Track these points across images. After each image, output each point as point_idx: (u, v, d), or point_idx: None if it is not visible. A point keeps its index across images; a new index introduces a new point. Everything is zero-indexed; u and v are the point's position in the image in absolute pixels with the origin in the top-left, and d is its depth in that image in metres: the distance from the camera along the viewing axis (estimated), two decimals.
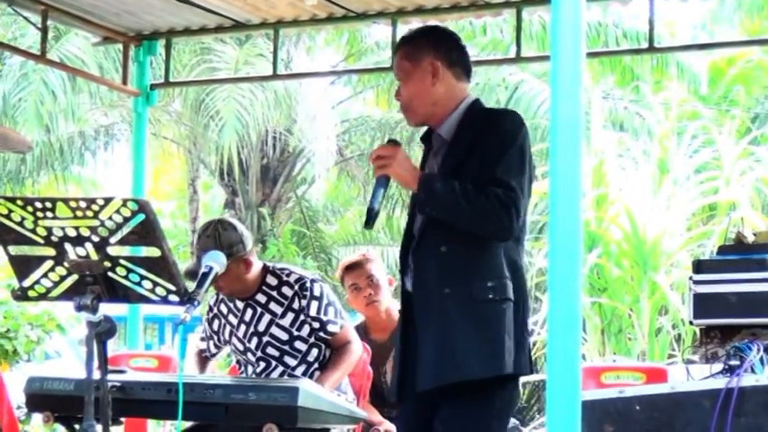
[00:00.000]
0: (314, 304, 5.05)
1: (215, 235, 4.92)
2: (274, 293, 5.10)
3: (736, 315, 5.25)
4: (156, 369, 6.30)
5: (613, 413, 4.00)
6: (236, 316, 5.19)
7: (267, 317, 5.10)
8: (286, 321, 5.08)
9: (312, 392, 4.13)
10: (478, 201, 3.72)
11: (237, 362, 5.31)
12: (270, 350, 5.10)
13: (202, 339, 5.40)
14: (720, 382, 3.93)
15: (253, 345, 5.13)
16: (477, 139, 3.85)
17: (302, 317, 5.06)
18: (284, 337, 5.08)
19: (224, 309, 5.25)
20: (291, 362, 5.09)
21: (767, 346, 4.22)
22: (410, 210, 4.12)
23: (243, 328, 5.16)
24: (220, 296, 5.26)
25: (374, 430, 5.40)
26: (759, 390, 3.86)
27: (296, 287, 5.07)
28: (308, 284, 5.07)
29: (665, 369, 5.56)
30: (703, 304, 5.35)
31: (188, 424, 4.85)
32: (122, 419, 4.64)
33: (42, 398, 4.38)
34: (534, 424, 12.19)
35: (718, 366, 4.21)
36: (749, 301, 5.23)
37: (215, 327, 5.30)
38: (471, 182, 3.76)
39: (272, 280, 5.12)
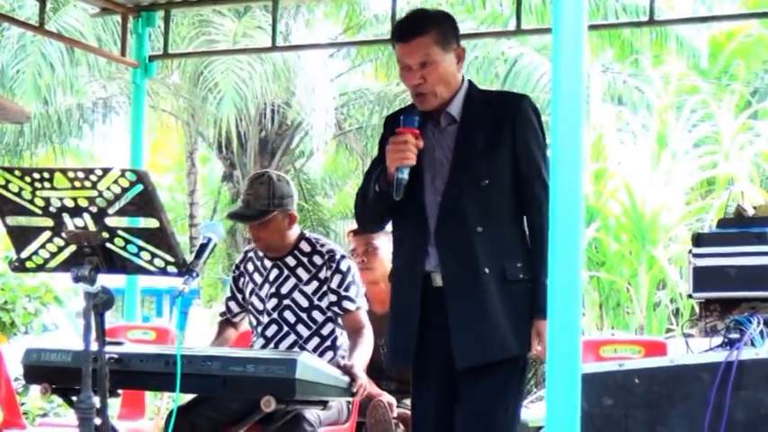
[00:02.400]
0: (337, 277, 5.07)
1: (269, 183, 5.01)
2: (305, 260, 5.12)
3: (736, 288, 5.25)
4: (153, 341, 6.28)
5: (612, 386, 3.99)
6: (261, 275, 5.19)
7: (292, 280, 5.11)
8: (309, 289, 5.09)
9: (310, 365, 4.13)
10: (544, 232, 3.72)
11: (251, 324, 5.29)
12: (287, 314, 5.10)
13: (228, 299, 5.37)
14: (720, 356, 3.92)
15: (270, 305, 5.12)
16: (507, 127, 4.01)
17: (325, 287, 5.08)
18: (305, 303, 5.09)
19: (250, 267, 5.25)
20: (304, 332, 5.08)
21: (767, 320, 4.21)
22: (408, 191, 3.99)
23: (266, 287, 5.16)
24: (248, 254, 5.29)
25: (377, 401, 5.37)
26: (759, 363, 3.85)
27: (326, 257, 5.10)
28: (338, 257, 5.10)
29: (664, 342, 5.56)
30: (703, 277, 5.35)
31: (186, 396, 4.85)
32: (120, 391, 4.65)
33: (40, 369, 4.38)
34: (531, 398, 12.19)
35: (718, 340, 4.19)
36: (749, 274, 5.23)
37: (240, 284, 5.30)
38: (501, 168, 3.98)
39: (305, 246, 5.15)
